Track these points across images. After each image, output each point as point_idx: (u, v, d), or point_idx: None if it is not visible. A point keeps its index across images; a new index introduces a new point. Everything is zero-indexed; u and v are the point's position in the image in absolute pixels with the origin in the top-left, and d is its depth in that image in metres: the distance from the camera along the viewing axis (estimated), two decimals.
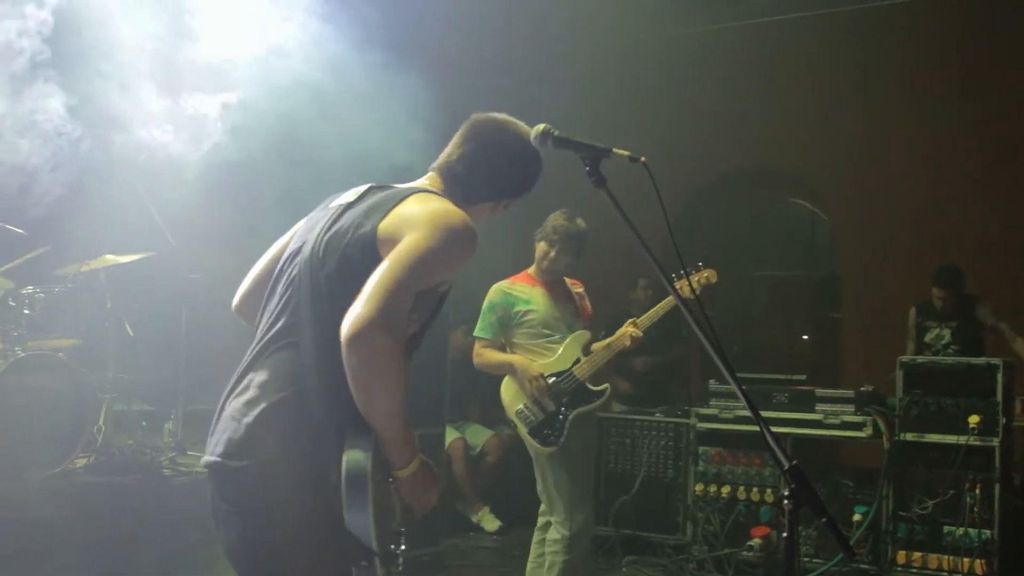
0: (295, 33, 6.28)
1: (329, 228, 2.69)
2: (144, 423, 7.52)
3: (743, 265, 11.13)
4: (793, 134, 9.98)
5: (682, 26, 10.09)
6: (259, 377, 2.61)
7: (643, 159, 2.55)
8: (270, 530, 2.50)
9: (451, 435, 8.16)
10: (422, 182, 2.86)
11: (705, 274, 5.75)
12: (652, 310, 5.71)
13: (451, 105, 8.03)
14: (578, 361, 5.52)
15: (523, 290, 5.59)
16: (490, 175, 2.87)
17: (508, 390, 5.58)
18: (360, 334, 2.37)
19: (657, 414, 7.95)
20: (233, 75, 6.19)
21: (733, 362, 2.37)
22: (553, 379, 5.45)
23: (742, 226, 11.31)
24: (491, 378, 5.75)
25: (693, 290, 3.45)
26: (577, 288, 5.79)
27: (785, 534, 2.22)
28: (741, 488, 7.17)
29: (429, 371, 7.18)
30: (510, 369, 5.49)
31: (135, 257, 7.01)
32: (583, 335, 5.60)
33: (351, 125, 6.28)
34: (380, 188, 2.79)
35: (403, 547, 2.60)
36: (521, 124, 2.90)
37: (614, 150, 2.56)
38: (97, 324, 7.12)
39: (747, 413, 7.09)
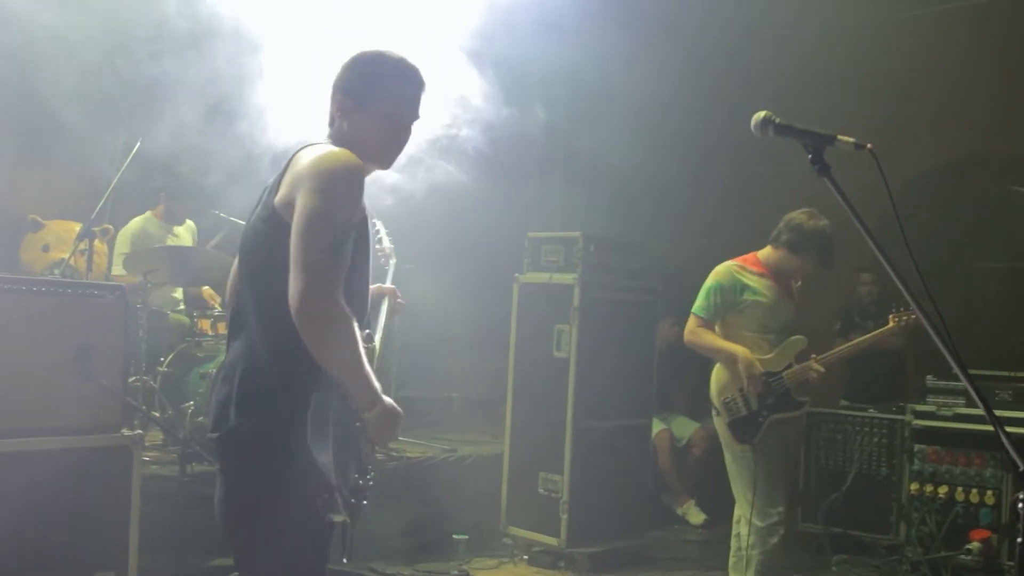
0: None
1: (253, 211, 2.98)
2: None
3: (965, 257, 10.65)
4: (1018, 118, 9.49)
5: (907, 9, 9.73)
6: (228, 358, 2.92)
7: (869, 146, 2.48)
8: (246, 484, 2.81)
9: (657, 426, 8.12)
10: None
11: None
12: (838, 349, 5.71)
13: (673, 86, 8.02)
14: (790, 367, 5.45)
15: (753, 279, 5.52)
16: (364, 104, 3.01)
17: (719, 377, 5.53)
18: (301, 307, 2.60)
19: (870, 409, 7.72)
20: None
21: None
22: (763, 378, 5.40)
23: (964, 216, 10.82)
24: (699, 369, 5.70)
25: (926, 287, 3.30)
26: (797, 284, 5.69)
27: (1020, 539, 2.12)
28: (959, 489, 6.88)
29: (636, 363, 7.19)
30: (731, 359, 5.42)
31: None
32: (800, 341, 5.51)
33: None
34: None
35: (371, 480, 2.91)
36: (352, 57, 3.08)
37: (839, 137, 2.49)
38: None
39: (968, 411, 6.91)
